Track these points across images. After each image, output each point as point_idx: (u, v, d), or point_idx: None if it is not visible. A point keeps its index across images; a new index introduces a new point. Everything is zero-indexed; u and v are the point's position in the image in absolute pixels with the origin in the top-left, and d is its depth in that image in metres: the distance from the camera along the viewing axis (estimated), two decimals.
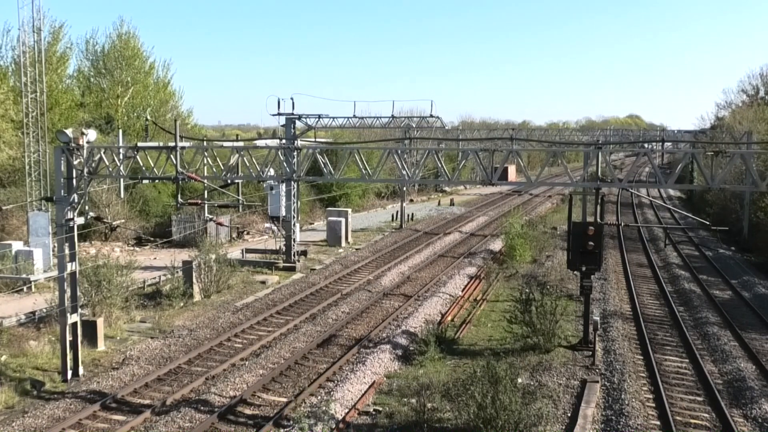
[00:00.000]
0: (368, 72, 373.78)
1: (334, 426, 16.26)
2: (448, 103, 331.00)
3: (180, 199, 23.96)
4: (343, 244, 43.18)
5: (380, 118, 45.54)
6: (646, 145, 47.95)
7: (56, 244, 22.15)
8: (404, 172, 23.16)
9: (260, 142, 38.65)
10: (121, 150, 20.78)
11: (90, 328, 22.17)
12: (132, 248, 39.66)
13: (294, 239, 36.48)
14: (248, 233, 45.47)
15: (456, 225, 52.55)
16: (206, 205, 29.46)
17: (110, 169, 20.77)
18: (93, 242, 39.51)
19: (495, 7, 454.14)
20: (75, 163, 19.75)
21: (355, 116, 43.66)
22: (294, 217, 36.72)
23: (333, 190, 56.50)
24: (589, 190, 21.57)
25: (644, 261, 39.23)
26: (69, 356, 19.89)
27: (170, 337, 23.62)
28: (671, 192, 77.54)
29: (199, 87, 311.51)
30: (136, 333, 24.43)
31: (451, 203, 68.45)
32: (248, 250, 38.61)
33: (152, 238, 39.08)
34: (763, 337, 24.08)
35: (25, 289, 29.19)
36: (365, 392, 18.66)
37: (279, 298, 29.42)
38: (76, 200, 19.95)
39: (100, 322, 22.89)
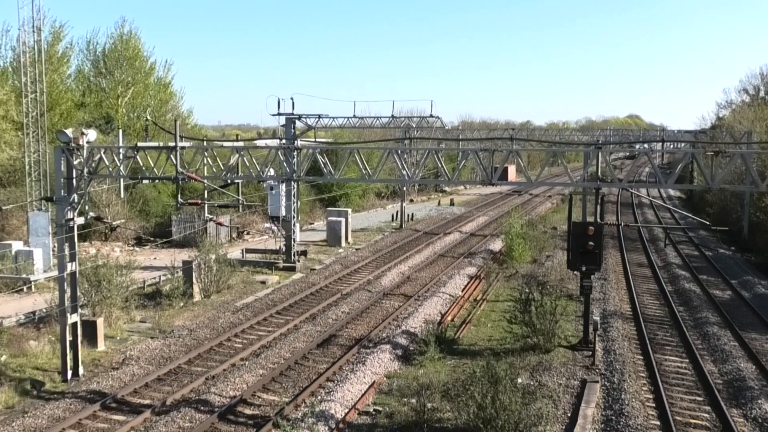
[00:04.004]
0: (368, 72, 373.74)
1: (334, 427, 16.27)
2: (448, 103, 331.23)
3: (180, 199, 23.95)
4: (343, 244, 43.18)
5: (380, 118, 45.56)
6: (643, 146, 47.74)
7: (56, 244, 22.15)
8: (404, 172, 23.17)
9: (260, 142, 38.70)
10: (121, 150, 20.79)
11: (90, 328, 22.17)
12: (132, 248, 39.67)
13: (294, 239, 36.48)
14: (248, 233, 45.47)
15: (456, 225, 52.55)
16: (206, 205, 29.48)
17: (110, 169, 20.77)
18: (93, 242, 39.52)
19: (495, 7, 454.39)
20: (75, 163, 19.76)
21: (355, 116, 43.66)
22: (294, 217, 36.71)
23: (333, 190, 56.50)
24: (589, 190, 21.57)
25: (644, 261, 39.23)
26: (69, 356, 19.90)
27: (170, 337, 23.63)
28: (671, 192, 77.51)
29: (199, 87, 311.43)
30: (136, 333, 24.43)
31: (451, 203, 68.46)
32: (248, 250, 38.62)
33: (152, 238, 39.08)
34: (763, 337, 24.08)
35: (25, 289, 29.20)
36: (365, 392, 18.66)
37: (279, 298, 29.42)
38: (76, 200, 19.96)
39: (100, 322, 22.90)
